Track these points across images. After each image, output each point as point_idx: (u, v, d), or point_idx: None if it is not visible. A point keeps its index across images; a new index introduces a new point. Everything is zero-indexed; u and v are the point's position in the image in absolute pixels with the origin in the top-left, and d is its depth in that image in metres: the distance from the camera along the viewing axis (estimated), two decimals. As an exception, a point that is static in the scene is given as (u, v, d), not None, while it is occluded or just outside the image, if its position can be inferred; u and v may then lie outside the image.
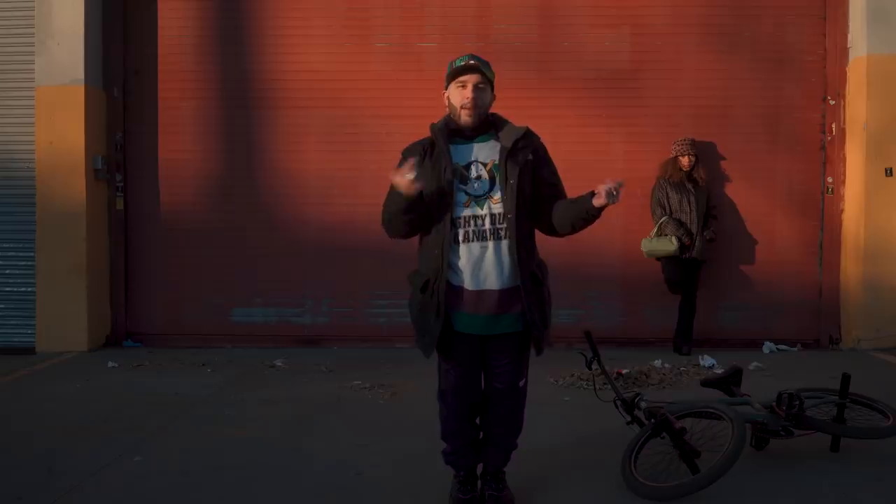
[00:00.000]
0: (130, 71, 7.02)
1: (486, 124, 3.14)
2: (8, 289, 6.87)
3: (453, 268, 3.05)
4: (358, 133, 6.89)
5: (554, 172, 3.22)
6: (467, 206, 3.04)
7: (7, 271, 6.86)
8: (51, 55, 6.61)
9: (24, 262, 6.81)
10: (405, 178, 2.89)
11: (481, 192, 3.05)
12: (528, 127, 3.18)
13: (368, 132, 6.85)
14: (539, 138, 3.23)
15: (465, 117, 3.07)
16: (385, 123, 6.79)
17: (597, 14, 6.85)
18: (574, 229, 3.12)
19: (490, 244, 3.03)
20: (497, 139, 3.12)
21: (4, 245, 6.86)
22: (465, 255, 3.04)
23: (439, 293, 3.03)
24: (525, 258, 3.06)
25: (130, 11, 6.99)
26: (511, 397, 3.21)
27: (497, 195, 3.04)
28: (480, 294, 3.03)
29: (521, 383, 3.22)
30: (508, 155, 3.06)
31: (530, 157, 3.11)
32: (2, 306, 6.89)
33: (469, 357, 3.13)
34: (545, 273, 3.20)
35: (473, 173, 3.07)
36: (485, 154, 3.10)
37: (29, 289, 6.79)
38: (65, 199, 6.62)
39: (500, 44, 6.80)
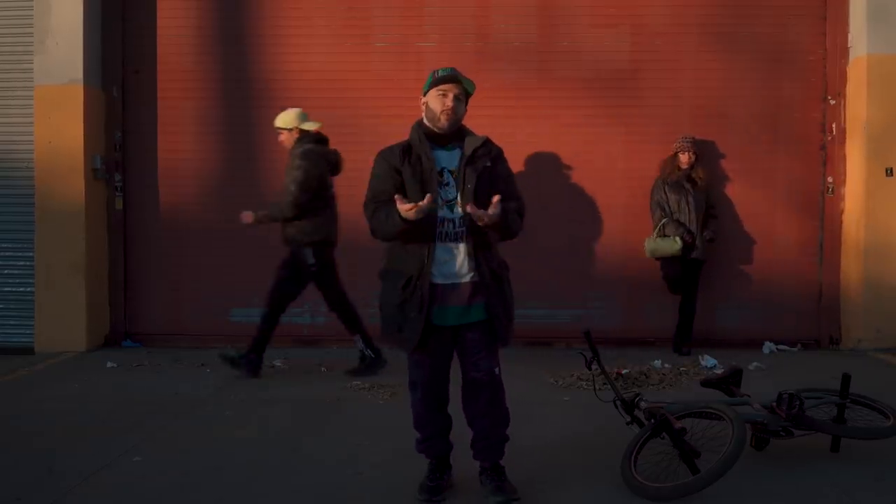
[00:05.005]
0: (130, 70, 7.01)
1: (456, 134, 3.34)
2: (7, 289, 6.85)
3: (433, 266, 3.24)
4: (358, 133, 6.86)
5: (509, 182, 3.39)
6: (441, 210, 3.24)
7: (6, 271, 6.85)
8: (49, 54, 6.60)
9: (22, 262, 6.80)
10: (410, 207, 3.07)
11: (451, 197, 3.27)
12: (486, 137, 3.39)
13: (368, 132, 6.81)
14: (499, 149, 3.42)
15: (443, 120, 3.28)
16: (385, 123, 6.76)
17: (596, 14, 6.84)
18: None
19: (459, 245, 3.26)
20: (461, 148, 3.33)
21: (3, 245, 6.85)
22: (439, 254, 3.25)
23: (422, 289, 3.22)
24: (483, 257, 3.27)
25: (130, 11, 6.98)
26: (490, 386, 3.32)
27: (460, 199, 3.25)
28: (452, 287, 3.26)
29: (497, 371, 3.34)
30: (468, 162, 3.29)
31: (488, 164, 3.32)
32: (1, 306, 6.87)
33: (442, 349, 3.31)
34: (505, 271, 3.39)
35: (444, 179, 3.28)
36: (453, 162, 3.32)
37: (28, 289, 6.78)
38: (64, 198, 6.61)
39: (500, 44, 6.79)
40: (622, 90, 6.83)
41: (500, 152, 3.41)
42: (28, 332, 6.76)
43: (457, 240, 3.24)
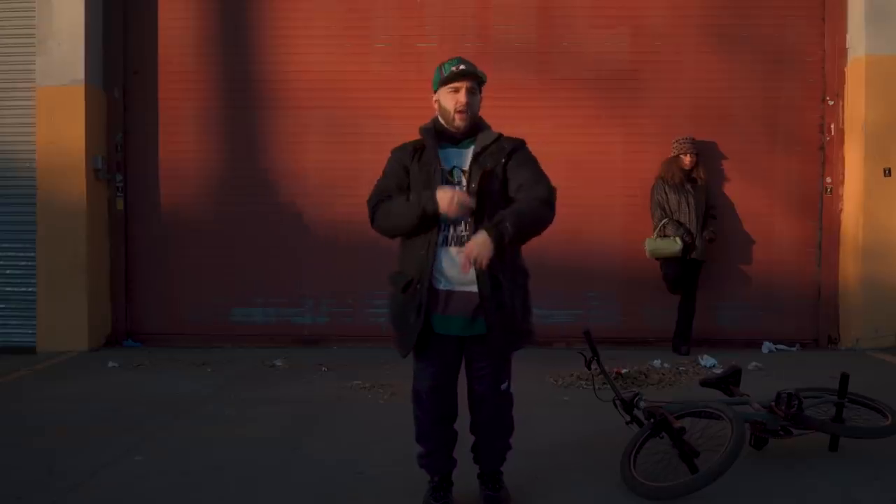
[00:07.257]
0: (130, 71, 7.03)
1: (472, 130, 3.16)
2: (9, 289, 6.87)
3: (436, 270, 3.07)
4: (358, 133, 6.90)
5: (528, 177, 3.12)
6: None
7: (8, 271, 6.87)
8: (51, 55, 6.62)
9: (24, 262, 6.82)
10: (457, 202, 2.91)
11: None
12: (500, 133, 3.17)
13: (368, 132, 6.85)
14: (519, 142, 3.19)
15: (458, 121, 3.10)
16: (385, 123, 6.79)
17: (596, 14, 6.86)
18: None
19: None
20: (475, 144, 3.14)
21: (5, 245, 6.87)
22: (445, 258, 3.07)
23: (422, 293, 3.05)
24: (488, 264, 2.98)
25: (131, 12, 7.00)
26: (493, 400, 3.21)
27: None
28: (456, 295, 3.07)
29: (504, 386, 3.21)
30: (474, 160, 3.09)
31: (502, 160, 3.11)
32: (2, 306, 6.89)
33: (444, 358, 3.14)
34: (519, 278, 3.16)
35: (455, 178, 3.11)
36: (466, 160, 3.13)
37: (29, 289, 6.80)
38: (65, 199, 6.63)
39: (500, 44, 6.81)
40: (622, 90, 6.85)
41: (516, 145, 3.15)
42: (30, 331, 6.78)
43: (462, 243, 3.00)
